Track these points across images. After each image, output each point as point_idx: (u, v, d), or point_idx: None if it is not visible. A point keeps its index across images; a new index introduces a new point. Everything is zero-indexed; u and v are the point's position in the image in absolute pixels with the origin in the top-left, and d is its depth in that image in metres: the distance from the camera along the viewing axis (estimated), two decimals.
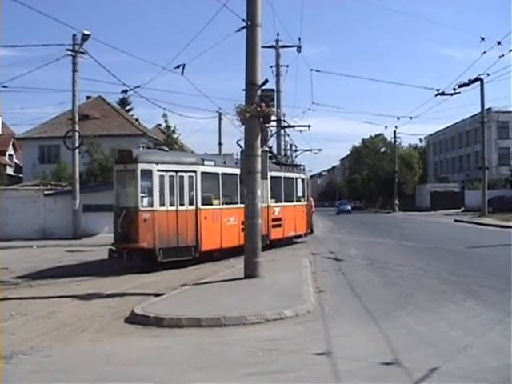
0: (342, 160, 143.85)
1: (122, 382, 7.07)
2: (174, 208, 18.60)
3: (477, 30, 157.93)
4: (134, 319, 10.60)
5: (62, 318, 11.02)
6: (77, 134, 33.13)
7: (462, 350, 7.86)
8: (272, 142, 30.48)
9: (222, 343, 8.83)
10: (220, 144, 59.08)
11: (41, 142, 49.30)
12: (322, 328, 9.52)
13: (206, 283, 14.37)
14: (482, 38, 30.72)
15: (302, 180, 28.98)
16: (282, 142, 38.11)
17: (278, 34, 41.22)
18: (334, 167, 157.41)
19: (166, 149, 23.54)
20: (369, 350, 8.04)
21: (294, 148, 37.70)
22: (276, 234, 24.94)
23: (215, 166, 20.76)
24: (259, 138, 15.10)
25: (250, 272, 14.64)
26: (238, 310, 10.62)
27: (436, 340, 8.53)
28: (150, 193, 18.20)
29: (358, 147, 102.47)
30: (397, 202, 76.22)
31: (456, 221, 45.58)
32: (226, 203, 20.96)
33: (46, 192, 34.59)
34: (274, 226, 24.65)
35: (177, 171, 18.84)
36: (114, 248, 18.20)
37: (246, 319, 10.11)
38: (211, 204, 20.18)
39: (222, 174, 20.85)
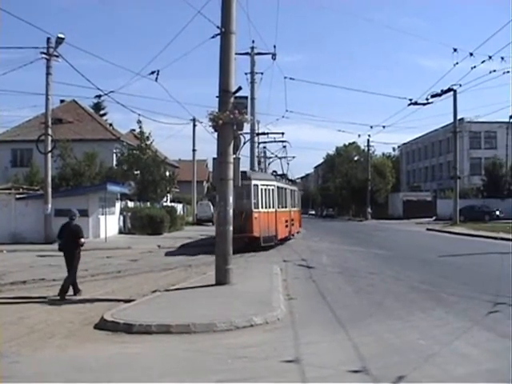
0: (315, 168, 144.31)
1: None
2: (266, 210, 27.20)
3: (451, 41, 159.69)
4: (103, 325, 10.51)
5: (31, 324, 10.90)
6: (49, 137, 32.85)
7: (430, 358, 7.95)
8: (246, 149, 34.46)
9: (191, 350, 8.81)
10: (194, 150, 59.24)
11: (13, 146, 48.91)
12: (292, 335, 9.55)
13: (176, 290, 14.32)
14: (455, 49, 31.23)
15: (297, 191, 40.01)
16: (256, 150, 38.63)
17: (253, 42, 41.15)
18: (307, 175, 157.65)
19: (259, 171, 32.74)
20: (337, 358, 8.10)
21: (267, 155, 39.53)
22: (293, 230, 35.34)
23: (279, 182, 31.09)
24: (232, 145, 15.13)
25: (221, 279, 14.62)
26: (208, 316, 10.60)
27: (404, 348, 8.62)
28: (256, 200, 26.37)
29: (332, 155, 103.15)
30: (369, 210, 76.79)
31: (428, 229, 46.14)
32: (282, 207, 30.72)
33: (17, 196, 34.21)
34: (292, 225, 34.32)
35: (267, 185, 27.88)
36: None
37: (215, 326, 10.10)
38: (280, 208, 29.84)
39: (280, 187, 30.66)
